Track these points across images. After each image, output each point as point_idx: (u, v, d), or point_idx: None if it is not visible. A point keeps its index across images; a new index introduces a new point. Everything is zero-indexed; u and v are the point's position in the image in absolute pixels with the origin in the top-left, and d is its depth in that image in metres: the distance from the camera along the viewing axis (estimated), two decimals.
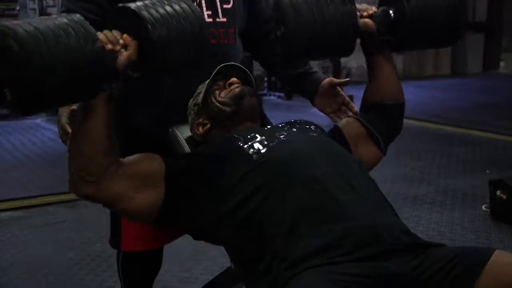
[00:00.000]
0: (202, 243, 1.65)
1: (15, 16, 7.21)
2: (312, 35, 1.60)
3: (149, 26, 1.41)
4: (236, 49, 1.90)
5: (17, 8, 6.87)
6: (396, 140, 1.83)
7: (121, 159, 1.53)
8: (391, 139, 1.81)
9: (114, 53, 1.40)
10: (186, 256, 3.02)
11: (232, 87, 1.69)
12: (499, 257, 1.31)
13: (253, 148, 1.53)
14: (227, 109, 1.66)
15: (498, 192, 3.50)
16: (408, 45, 1.78)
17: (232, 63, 1.74)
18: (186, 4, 1.49)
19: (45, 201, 3.96)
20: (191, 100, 1.74)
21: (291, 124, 1.67)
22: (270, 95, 8.07)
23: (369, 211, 1.43)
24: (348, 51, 1.68)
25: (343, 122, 1.82)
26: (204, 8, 1.80)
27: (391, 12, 1.70)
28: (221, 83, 1.71)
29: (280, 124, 1.68)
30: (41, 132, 6.13)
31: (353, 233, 1.36)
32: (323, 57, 1.89)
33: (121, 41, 1.42)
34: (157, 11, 1.44)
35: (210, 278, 2.33)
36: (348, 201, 1.42)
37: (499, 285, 1.28)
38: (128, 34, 1.44)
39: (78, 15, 1.36)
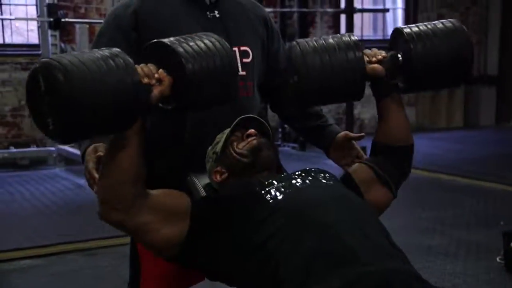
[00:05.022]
0: (219, 283, 1.69)
1: None
2: (322, 83, 1.67)
3: (184, 62, 1.46)
4: (255, 102, 1.97)
5: None
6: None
7: (149, 190, 1.60)
8: (401, 180, 1.84)
9: (149, 87, 1.45)
10: None
11: (250, 138, 1.75)
12: None
13: (270, 194, 1.59)
14: (244, 160, 1.73)
15: None
16: (415, 87, 1.83)
17: (251, 115, 1.81)
18: (216, 40, 1.55)
19: (64, 249, 4.00)
20: (209, 148, 1.80)
21: (306, 172, 1.73)
22: (284, 146, 8.09)
23: (382, 257, 1.46)
24: (358, 96, 1.73)
25: (353, 167, 1.87)
26: None
27: (399, 56, 1.74)
28: (239, 134, 1.78)
29: (297, 171, 1.74)
30: (59, 182, 6.21)
31: (365, 278, 1.40)
32: (335, 102, 1.92)
33: (156, 75, 1.48)
34: (190, 46, 1.48)
35: None
36: (360, 247, 1.46)
37: None
38: (163, 68, 1.48)
39: (118, 49, 1.42)
